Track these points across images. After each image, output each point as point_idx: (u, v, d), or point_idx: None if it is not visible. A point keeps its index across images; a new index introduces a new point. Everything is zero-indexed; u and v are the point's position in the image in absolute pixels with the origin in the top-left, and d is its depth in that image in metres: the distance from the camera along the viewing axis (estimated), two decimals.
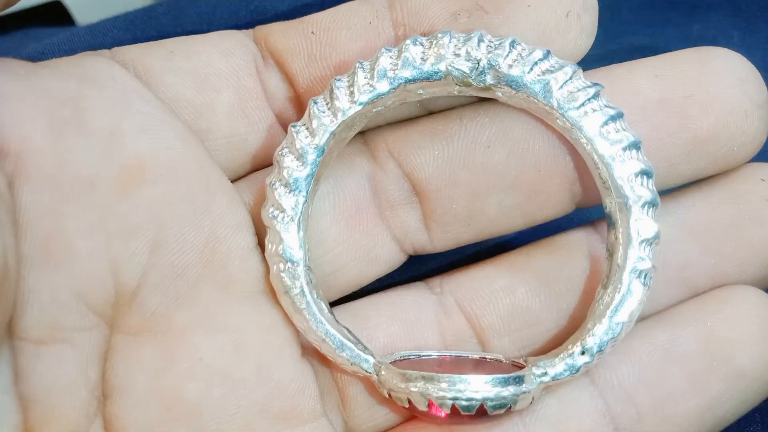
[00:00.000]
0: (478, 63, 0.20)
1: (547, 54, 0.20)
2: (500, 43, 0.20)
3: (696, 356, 0.21)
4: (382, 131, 0.22)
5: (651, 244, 0.20)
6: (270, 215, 0.20)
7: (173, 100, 0.21)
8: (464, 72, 0.20)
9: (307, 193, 0.20)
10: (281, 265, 0.20)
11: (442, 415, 0.20)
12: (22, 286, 0.17)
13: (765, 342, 0.21)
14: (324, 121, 0.20)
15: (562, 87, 0.20)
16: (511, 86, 0.20)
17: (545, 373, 0.20)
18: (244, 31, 0.22)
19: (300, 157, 0.20)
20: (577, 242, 0.22)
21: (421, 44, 0.20)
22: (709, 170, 0.21)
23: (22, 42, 0.29)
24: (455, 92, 0.20)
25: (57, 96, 0.19)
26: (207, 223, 0.20)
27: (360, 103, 0.20)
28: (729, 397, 0.21)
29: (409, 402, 0.20)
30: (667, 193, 0.22)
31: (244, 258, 0.21)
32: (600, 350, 0.20)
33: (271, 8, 0.27)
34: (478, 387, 0.19)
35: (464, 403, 0.19)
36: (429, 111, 0.22)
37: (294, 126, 0.20)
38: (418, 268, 0.24)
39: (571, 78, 0.20)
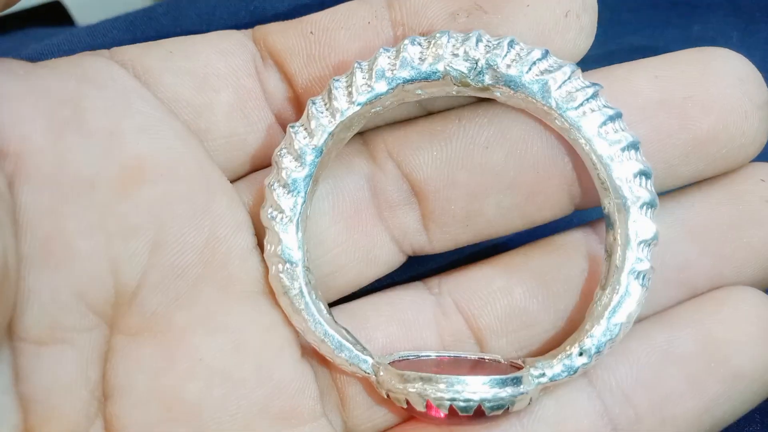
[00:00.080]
0: (477, 63, 0.20)
1: (546, 54, 0.20)
2: (498, 43, 0.20)
3: (694, 357, 0.21)
4: (381, 132, 0.22)
5: (649, 245, 0.20)
6: (269, 216, 0.20)
7: (172, 100, 0.21)
8: (462, 72, 0.20)
9: (305, 193, 0.20)
10: (280, 266, 0.20)
11: (440, 415, 0.20)
12: (22, 286, 0.17)
13: (764, 343, 0.21)
14: (322, 121, 0.20)
15: (560, 87, 0.20)
16: (509, 86, 0.20)
17: (543, 375, 0.20)
18: (243, 31, 0.22)
19: (298, 157, 0.20)
20: (575, 243, 0.22)
21: (420, 44, 0.20)
22: (709, 172, 0.21)
23: (22, 42, 0.29)
24: (454, 92, 0.20)
25: (57, 96, 0.19)
26: (207, 223, 0.20)
27: (358, 104, 0.20)
28: (727, 398, 0.20)
29: (408, 403, 0.20)
30: (666, 193, 0.22)
31: (244, 258, 0.21)
32: (598, 351, 0.20)
33: (270, 9, 0.27)
34: (476, 388, 0.19)
35: (462, 404, 0.19)
36: (428, 111, 0.22)
37: (292, 127, 0.20)
38: (417, 269, 0.24)
39: (569, 78, 0.20)
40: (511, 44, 0.20)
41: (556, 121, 0.20)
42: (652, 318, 0.21)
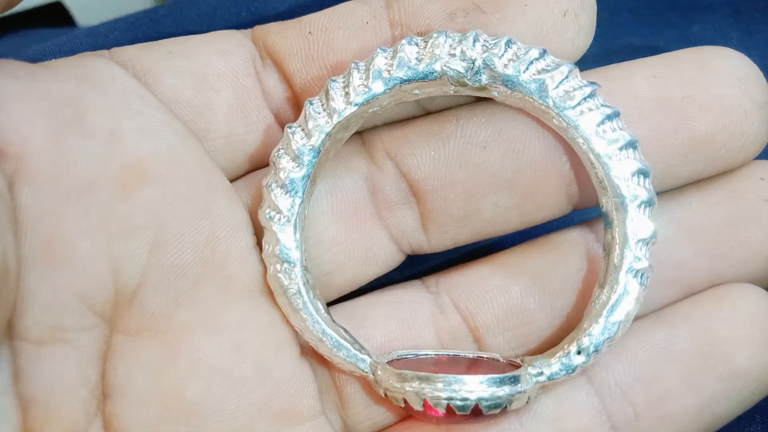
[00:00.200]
0: (474, 62, 0.20)
1: (543, 53, 0.20)
2: (496, 43, 0.20)
3: (692, 355, 0.21)
4: (380, 131, 0.22)
5: (648, 243, 0.20)
6: (266, 216, 0.20)
7: (172, 100, 0.21)
8: (459, 72, 0.20)
9: (303, 194, 0.20)
10: (278, 266, 0.20)
11: (438, 414, 0.20)
12: (22, 286, 0.18)
13: (763, 341, 0.21)
14: (319, 122, 0.20)
15: (558, 86, 0.20)
16: (506, 86, 0.20)
17: (541, 373, 0.20)
18: (242, 31, 0.22)
19: (296, 158, 0.20)
20: (573, 241, 0.22)
21: (417, 44, 0.20)
22: (708, 171, 0.21)
23: (23, 43, 0.29)
24: (451, 92, 0.20)
25: (57, 97, 0.19)
26: (206, 223, 0.20)
27: (355, 104, 0.20)
28: (725, 396, 0.20)
29: (405, 402, 0.20)
30: (664, 193, 0.22)
31: (243, 258, 0.21)
32: (596, 350, 0.20)
33: (271, 9, 0.27)
34: (474, 387, 0.19)
35: (459, 403, 0.19)
36: (426, 111, 0.22)
37: (290, 127, 0.20)
38: (415, 268, 0.24)
39: (567, 77, 0.20)
40: (508, 44, 0.20)
41: (554, 120, 0.20)
42: (650, 316, 0.21)
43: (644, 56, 0.21)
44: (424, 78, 0.20)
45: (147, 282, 0.19)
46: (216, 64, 0.21)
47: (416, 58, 0.20)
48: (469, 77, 0.20)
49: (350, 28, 0.21)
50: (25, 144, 0.18)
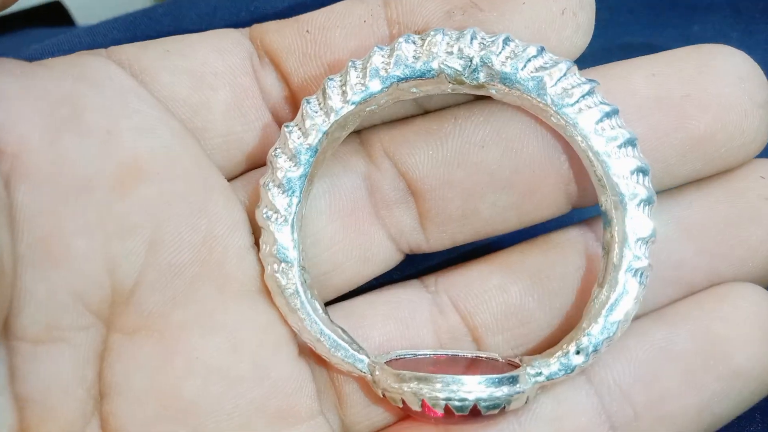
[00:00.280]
0: (471, 60, 0.20)
1: (541, 51, 0.20)
2: (493, 41, 0.20)
3: (692, 355, 0.20)
4: (378, 130, 0.22)
5: (647, 242, 0.20)
6: (264, 216, 0.20)
7: (169, 98, 0.21)
8: (457, 70, 0.20)
9: (300, 193, 0.20)
10: (275, 266, 0.20)
11: (436, 415, 0.20)
12: (18, 285, 0.18)
13: (763, 341, 0.20)
14: (316, 121, 0.20)
15: (556, 84, 0.20)
16: (504, 83, 0.20)
17: (540, 373, 0.20)
18: (240, 29, 0.22)
19: (293, 157, 0.20)
20: (572, 240, 0.22)
21: (414, 42, 0.20)
22: (707, 171, 0.21)
23: (22, 42, 0.29)
24: (449, 90, 0.20)
25: (54, 95, 0.19)
26: (204, 221, 0.20)
27: (352, 103, 0.20)
28: (726, 396, 0.20)
29: (403, 402, 0.20)
30: (663, 192, 0.22)
31: (240, 257, 0.21)
32: (595, 350, 0.20)
33: (271, 8, 0.27)
34: (472, 387, 0.19)
35: (457, 403, 0.19)
36: (424, 109, 0.22)
37: (287, 126, 0.20)
38: (414, 267, 0.24)
39: (565, 75, 0.20)
40: (505, 41, 0.20)
41: (552, 118, 0.20)
42: (650, 315, 0.21)
43: (643, 55, 0.21)
44: (422, 76, 0.20)
45: (144, 281, 0.19)
46: (213, 63, 0.21)
47: (413, 57, 0.20)
48: (466, 75, 0.20)
49: (348, 27, 0.21)
50: (22, 142, 0.18)
